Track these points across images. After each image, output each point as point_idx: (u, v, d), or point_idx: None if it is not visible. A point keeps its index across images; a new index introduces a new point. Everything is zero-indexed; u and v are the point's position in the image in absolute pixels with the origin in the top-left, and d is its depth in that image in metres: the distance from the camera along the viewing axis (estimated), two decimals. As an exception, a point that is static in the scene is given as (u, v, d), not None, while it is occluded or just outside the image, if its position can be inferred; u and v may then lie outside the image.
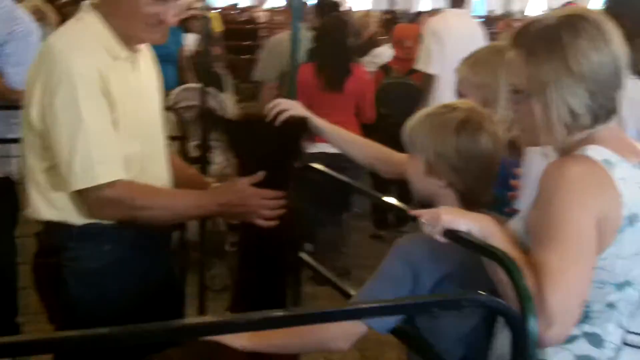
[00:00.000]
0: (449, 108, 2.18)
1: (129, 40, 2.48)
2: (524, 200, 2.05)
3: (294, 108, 2.57)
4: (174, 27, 5.82)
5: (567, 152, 1.88)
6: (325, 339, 2.10)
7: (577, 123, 1.82)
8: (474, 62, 2.72)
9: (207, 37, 7.73)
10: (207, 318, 1.67)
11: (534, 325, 1.60)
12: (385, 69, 7.19)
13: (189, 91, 4.43)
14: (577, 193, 1.76)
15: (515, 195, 2.25)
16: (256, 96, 6.13)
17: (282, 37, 5.86)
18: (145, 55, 2.64)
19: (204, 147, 3.86)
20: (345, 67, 5.64)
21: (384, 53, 7.97)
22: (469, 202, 2.11)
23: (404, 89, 6.58)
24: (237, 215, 2.49)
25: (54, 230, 2.46)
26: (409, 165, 2.21)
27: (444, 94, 5.89)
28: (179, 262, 3.16)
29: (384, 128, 5.44)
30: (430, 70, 6.12)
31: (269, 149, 2.51)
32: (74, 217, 2.42)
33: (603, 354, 1.85)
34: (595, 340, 1.85)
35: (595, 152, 1.81)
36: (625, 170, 1.80)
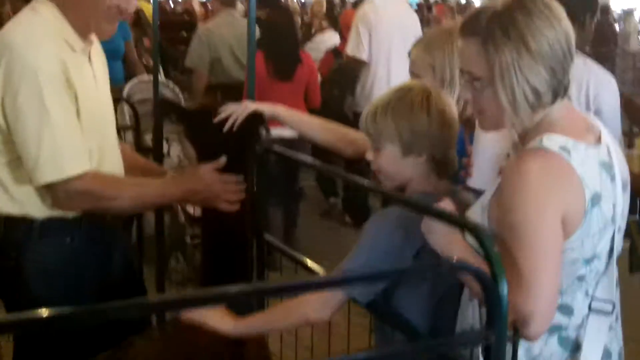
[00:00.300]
0: (405, 90, 2.30)
1: (85, 32, 2.48)
2: (476, 178, 2.13)
3: (245, 109, 2.61)
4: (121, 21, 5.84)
5: (525, 136, 1.97)
6: (306, 312, 2.19)
7: (540, 101, 1.90)
8: (428, 43, 2.77)
9: (142, 28, 7.72)
10: (175, 294, 1.70)
11: (504, 288, 1.70)
12: (334, 52, 7.40)
13: (143, 83, 4.45)
14: (540, 194, 1.84)
15: (467, 173, 2.32)
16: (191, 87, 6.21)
17: (211, 25, 6.05)
18: (96, 47, 2.65)
19: (158, 139, 3.88)
20: (295, 56, 5.77)
21: (330, 39, 8.16)
22: (442, 171, 2.25)
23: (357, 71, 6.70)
24: (201, 201, 2.55)
25: (13, 225, 2.44)
26: (380, 157, 2.28)
27: (379, 77, 6.36)
28: (138, 255, 3.18)
29: (338, 110, 5.63)
30: (360, 55, 6.32)
31: (227, 137, 2.56)
32: (36, 210, 2.42)
33: (572, 321, 1.98)
34: (566, 310, 1.97)
35: (550, 141, 1.89)
36: (581, 153, 1.89)
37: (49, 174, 2.34)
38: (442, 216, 1.96)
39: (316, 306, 2.17)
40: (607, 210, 1.93)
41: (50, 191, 2.38)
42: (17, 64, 2.32)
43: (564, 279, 1.92)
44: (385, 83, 6.41)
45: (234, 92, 5.24)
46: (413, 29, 6.46)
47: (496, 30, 1.88)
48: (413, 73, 2.81)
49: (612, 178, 1.95)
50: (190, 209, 4.09)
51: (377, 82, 6.40)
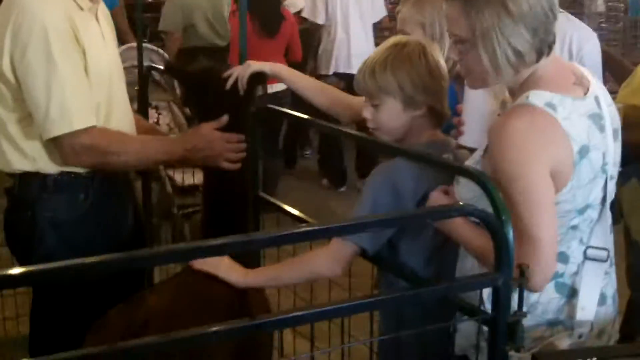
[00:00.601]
0: (400, 45, 2.35)
1: None
2: (467, 136, 2.19)
3: (248, 69, 2.64)
4: None
5: (514, 92, 2.04)
6: (317, 266, 2.25)
7: (523, 61, 1.96)
8: (417, 1, 2.82)
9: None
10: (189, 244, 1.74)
11: (510, 231, 1.77)
12: (299, 16, 7.38)
13: (133, 50, 4.41)
14: (527, 150, 1.91)
15: (459, 131, 2.38)
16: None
17: None
18: (103, 8, 2.70)
19: (144, 106, 3.90)
20: (278, 13, 5.88)
21: (297, 2, 8.18)
22: (438, 122, 2.33)
23: (316, 35, 6.87)
24: (203, 159, 2.58)
25: (27, 181, 2.50)
26: (381, 113, 2.33)
27: (339, 40, 6.59)
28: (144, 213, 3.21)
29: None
30: (317, 19, 6.59)
31: (228, 97, 2.60)
32: (49, 166, 2.48)
33: (568, 268, 2.06)
34: (562, 257, 2.04)
35: (536, 97, 1.95)
36: (567, 107, 1.95)
37: (57, 127, 2.38)
38: (445, 165, 2.03)
39: (327, 261, 2.23)
40: (597, 160, 1.99)
41: (58, 145, 2.43)
42: (26, 20, 2.36)
43: (559, 229, 1.99)
44: (346, 46, 6.67)
45: (209, 55, 5.34)
46: None
47: None
48: (402, 31, 2.84)
49: (602, 128, 2.01)
50: (178, 178, 4.08)
51: (338, 44, 6.63)
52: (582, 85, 2.04)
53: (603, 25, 14.48)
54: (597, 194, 2.03)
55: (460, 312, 2.01)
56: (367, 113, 2.36)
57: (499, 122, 1.98)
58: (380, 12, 7.06)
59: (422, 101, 2.30)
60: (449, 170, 2.02)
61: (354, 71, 6.12)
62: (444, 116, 2.36)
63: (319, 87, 2.83)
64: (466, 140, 2.19)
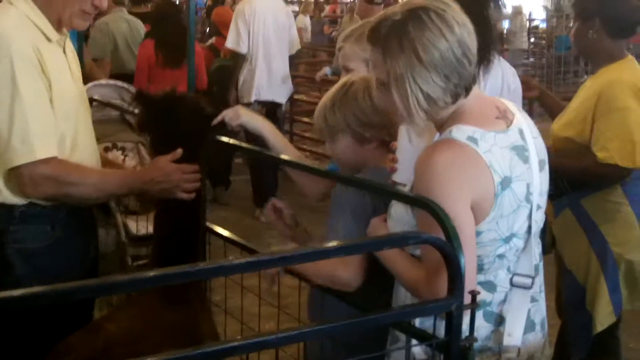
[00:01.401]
0: (347, 85, 2.48)
1: (60, 25, 2.52)
2: (401, 172, 2.27)
3: (238, 119, 2.65)
4: None
5: (441, 127, 2.11)
6: (342, 276, 2.28)
7: (435, 105, 2.02)
8: (360, 37, 2.82)
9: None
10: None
11: (461, 257, 1.84)
12: (212, 48, 7.75)
13: (100, 87, 4.29)
14: (448, 184, 1.97)
15: (393, 168, 2.43)
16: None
17: (107, 19, 6.51)
18: (69, 43, 2.69)
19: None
20: (183, 45, 5.97)
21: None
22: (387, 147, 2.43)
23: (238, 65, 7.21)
24: (160, 192, 2.57)
25: None
26: (337, 148, 2.48)
27: (260, 69, 7.00)
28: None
29: (224, 103, 6.07)
30: (240, 49, 6.99)
31: (187, 125, 2.62)
32: (15, 198, 2.43)
33: (495, 297, 2.12)
34: (489, 286, 2.11)
35: (459, 132, 2.03)
36: (489, 140, 2.03)
37: (19, 157, 2.35)
38: (397, 195, 2.10)
39: (354, 273, 2.27)
40: (520, 191, 2.06)
41: (17, 175, 2.39)
42: None
43: (484, 257, 2.07)
44: (267, 75, 7.10)
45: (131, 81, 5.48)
46: (287, 22, 7.29)
47: (392, 42, 2.00)
48: (346, 67, 2.91)
49: (525, 160, 2.08)
50: (132, 227, 3.94)
51: (258, 74, 7.03)
52: (505, 118, 2.12)
53: (526, 61, 14.97)
54: (522, 224, 2.10)
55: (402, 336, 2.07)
56: (329, 149, 2.54)
57: (422, 156, 2.05)
58: (296, 46, 7.56)
59: (371, 136, 2.44)
60: (400, 199, 2.09)
61: (275, 98, 6.18)
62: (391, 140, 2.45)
63: (296, 156, 2.82)
64: (399, 177, 2.25)
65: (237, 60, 7.03)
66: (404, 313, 1.95)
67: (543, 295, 2.25)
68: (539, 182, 2.12)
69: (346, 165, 2.49)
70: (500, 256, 2.09)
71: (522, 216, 2.08)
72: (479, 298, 2.00)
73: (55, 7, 2.48)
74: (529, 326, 2.17)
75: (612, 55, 3.41)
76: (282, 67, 7.21)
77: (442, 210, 1.92)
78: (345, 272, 2.27)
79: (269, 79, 7.09)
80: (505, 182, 2.02)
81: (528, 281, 2.12)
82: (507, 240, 2.07)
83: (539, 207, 2.13)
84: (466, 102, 2.07)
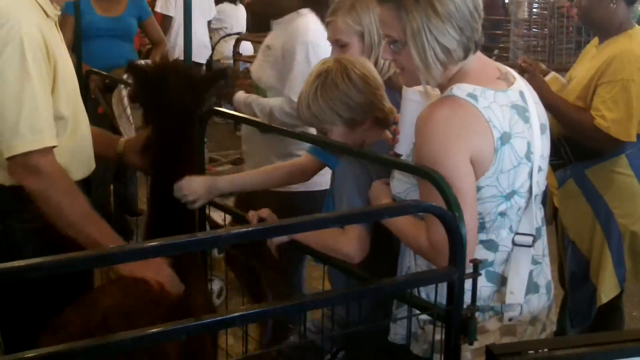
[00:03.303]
0: (324, 73, 2.40)
1: None
2: (402, 144, 2.25)
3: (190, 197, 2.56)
4: None
5: (443, 88, 2.12)
6: (344, 248, 2.25)
7: (451, 57, 2.06)
8: (350, 9, 2.80)
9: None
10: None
11: (462, 226, 1.82)
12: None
13: None
14: (448, 138, 2.00)
15: (395, 140, 2.41)
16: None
17: None
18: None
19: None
20: None
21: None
22: (386, 123, 2.43)
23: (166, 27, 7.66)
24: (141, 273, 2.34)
25: (1, 193, 2.38)
26: (332, 137, 2.40)
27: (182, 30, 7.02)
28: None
29: None
30: (169, 12, 7.63)
31: (180, 95, 2.55)
32: (11, 180, 2.35)
33: (497, 257, 2.13)
34: (491, 245, 2.12)
35: (459, 90, 2.05)
36: (488, 97, 2.05)
37: (27, 144, 2.25)
38: (399, 165, 2.07)
39: (355, 245, 2.24)
40: (520, 148, 2.07)
41: (12, 163, 2.28)
42: (4, 30, 2.24)
43: (485, 214, 2.07)
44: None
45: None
46: None
47: None
48: (339, 41, 2.83)
49: (526, 120, 2.10)
50: None
51: (181, 34, 6.98)
52: (506, 80, 2.14)
53: (527, 31, 14.86)
54: (523, 182, 2.10)
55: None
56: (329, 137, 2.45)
57: (423, 113, 2.07)
58: (213, 12, 8.45)
59: (362, 118, 2.38)
60: (401, 168, 2.07)
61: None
62: (388, 118, 2.42)
63: (265, 174, 2.80)
64: (401, 148, 2.23)
65: (166, 23, 7.55)
66: (405, 283, 1.94)
67: (547, 260, 2.26)
68: (540, 143, 2.13)
69: None
70: (502, 214, 2.09)
71: (522, 174, 2.08)
72: (480, 256, 2.02)
73: None
74: (532, 287, 2.17)
75: (624, 25, 3.38)
76: (202, 31, 8.00)
77: (443, 180, 1.92)
78: (347, 244, 2.25)
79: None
80: (505, 138, 2.03)
81: (529, 239, 2.13)
82: (508, 197, 2.08)
83: (540, 168, 2.14)
84: (468, 62, 2.09)
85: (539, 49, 14.03)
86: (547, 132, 2.21)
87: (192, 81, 2.59)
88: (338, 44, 2.83)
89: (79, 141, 2.46)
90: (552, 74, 3.52)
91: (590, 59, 3.46)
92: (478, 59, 2.13)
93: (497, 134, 2.02)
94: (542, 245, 2.21)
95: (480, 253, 2.08)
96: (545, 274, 2.24)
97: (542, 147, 2.14)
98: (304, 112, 2.41)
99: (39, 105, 2.25)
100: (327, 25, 2.90)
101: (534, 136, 2.10)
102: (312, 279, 3.64)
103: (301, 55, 3.31)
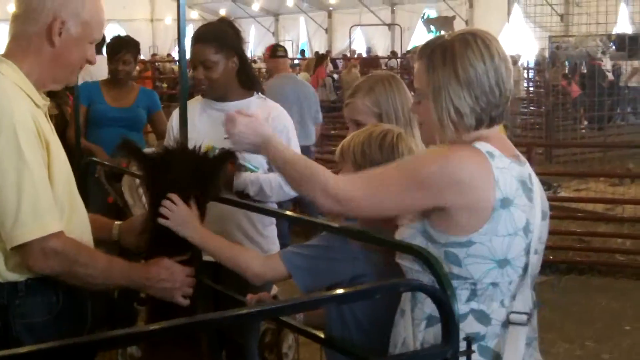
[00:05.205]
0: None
1: (44, 86, 2.44)
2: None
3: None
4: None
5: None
6: (251, 262, 2.52)
7: (462, 122, 2.14)
8: (369, 91, 2.94)
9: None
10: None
11: (455, 304, 1.83)
12: None
13: None
14: (452, 169, 2.06)
15: None
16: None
17: None
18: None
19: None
20: None
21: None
22: None
23: None
24: (162, 291, 2.47)
25: None
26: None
27: None
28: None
29: None
30: None
31: (186, 183, 2.56)
32: (12, 275, 2.33)
33: (489, 330, 2.11)
34: (482, 316, 2.10)
35: (481, 145, 2.13)
36: (504, 162, 2.12)
37: (29, 232, 2.22)
38: (391, 244, 2.10)
39: (260, 262, 2.49)
40: (519, 219, 2.09)
41: (26, 251, 2.25)
42: None
43: (477, 280, 2.07)
44: None
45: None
46: None
47: (437, 55, 2.17)
48: (356, 121, 2.94)
49: (530, 199, 2.14)
50: None
51: None
52: (519, 158, 2.21)
53: (525, 109, 15.04)
54: (518, 254, 2.10)
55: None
56: None
57: (439, 148, 2.19)
58: None
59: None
60: (393, 247, 2.09)
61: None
62: None
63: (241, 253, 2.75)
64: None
65: None
66: (399, 361, 1.94)
67: (536, 343, 2.22)
68: (540, 228, 2.15)
69: None
70: (494, 285, 2.10)
71: (518, 246, 2.10)
72: (471, 329, 2.03)
73: (42, 69, 2.39)
74: None
75: None
76: None
77: (434, 258, 1.94)
78: (259, 272, 2.47)
79: None
80: (506, 202, 2.07)
81: (524, 317, 2.11)
82: (501, 265, 2.09)
83: (536, 251, 2.15)
84: (488, 132, 2.17)
85: (537, 126, 14.21)
86: (547, 220, 2.23)
87: (198, 166, 2.59)
88: (355, 123, 2.94)
89: (76, 227, 2.45)
90: None
91: None
92: (498, 134, 2.21)
93: (499, 194, 2.06)
94: (532, 328, 2.19)
95: (472, 325, 2.08)
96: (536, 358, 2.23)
97: (540, 231, 2.17)
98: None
99: (40, 193, 2.24)
100: (346, 105, 3.05)
101: (535, 216, 2.14)
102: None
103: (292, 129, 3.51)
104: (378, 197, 2.12)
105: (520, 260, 2.11)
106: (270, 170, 3.33)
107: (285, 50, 7.78)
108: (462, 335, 2.03)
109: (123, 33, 7.08)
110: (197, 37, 3.41)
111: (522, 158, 2.22)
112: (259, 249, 3.39)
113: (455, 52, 2.14)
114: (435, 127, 2.18)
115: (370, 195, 2.13)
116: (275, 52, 7.34)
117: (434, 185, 2.05)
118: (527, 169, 2.19)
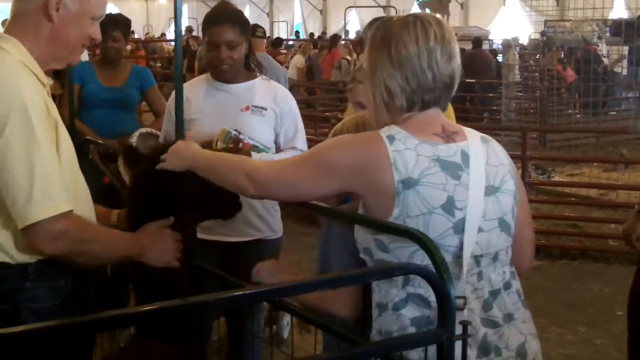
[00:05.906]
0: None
1: (45, 65, 2.42)
2: None
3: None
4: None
5: None
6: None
7: (393, 102, 2.14)
8: None
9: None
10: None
11: (451, 288, 1.83)
12: None
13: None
14: (345, 150, 2.12)
15: None
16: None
17: None
18: None
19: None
20: None
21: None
22: None
23: None
24: (155, 258, 2.47)
25: (7, 272, 2.32)
26: None
27: None
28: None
29: None
30: None
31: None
32: (22, 256, 2.32)
33: (433, 314, 2.01)
34: (421, 300, 2.05)
35: (386, 130, 2.12)
36: (407, 144, 2.07)
37: (41, 211, 2.20)
38: (387, 228, 2.08)
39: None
40: (433, 197, 2.03)
41: (32, 231, 2.22)
42: (4, 97, 2.22)
43: (400, 256, 2.04)
44: None
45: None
46: None
47: (377, 35, 2.19)
48: (359, 102, 3.07)
49: (456, 177, 2.06)
50: None
51: None
52: (446, 137, 2.14)
53: (520, 94, 15.04)
54: (442, 234, 2.04)
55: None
56: None
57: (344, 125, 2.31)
58: None
59: None
60: (389, 231, 2.06)
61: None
62: None
63: None
64: None
65: None
66: (394, 345, 1.93)
67: (517, 323, 2.16)
68: (483, 205, 2.09)
69: None
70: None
71: (438, 225, 2.04)
72: (414, 314, 2.02)
73: (47, 47, 2.38)
74: (492, 349, 2.08)
75: None
76: None
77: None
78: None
79: None
80: (409, 183, 2.03)
81: (460, 302, 1.99)
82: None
83: (480, 229, 2.08)
84: (416, 115, 2.14)
85: (531, 110, 14.22)
86: (501, 195, 2.15)
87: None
88: (360, 106, 3.06)
89: (80, 204, 2.43)
90: None
91: None
92: (428, 115, 2.15)
93: (397, 176, 2.03)
94: (503, 306, 2.14)
95: (414, 310, 2.04)
96: (513, 336, 2.14)
97: (484, 208, 2.10)
98: None
99: (50, 172, 2.22)
100: (349, 90, 3.18)
101: (466, 194, 2.06)
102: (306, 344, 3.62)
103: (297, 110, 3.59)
104: (291, 181, 2.19)
105: (448, 239, 2.04)
106: (278, 150, 3.46)
107: (264, 32, 7.97)
108: (406, 320, 2.03)
109: (116, 12, 7.04)
110: (223, 18, 3.44)
111: (457, 136, 2.15)
112: (268, 228, 3.56)
113: (393, 32, 2.14)
114: (370, 107, 2.21)
115: (285, 178, 2.20)
116: (254, 31, 7.39)
117: (340, 170, 2.09)
118: (460, 147, 2.11)
